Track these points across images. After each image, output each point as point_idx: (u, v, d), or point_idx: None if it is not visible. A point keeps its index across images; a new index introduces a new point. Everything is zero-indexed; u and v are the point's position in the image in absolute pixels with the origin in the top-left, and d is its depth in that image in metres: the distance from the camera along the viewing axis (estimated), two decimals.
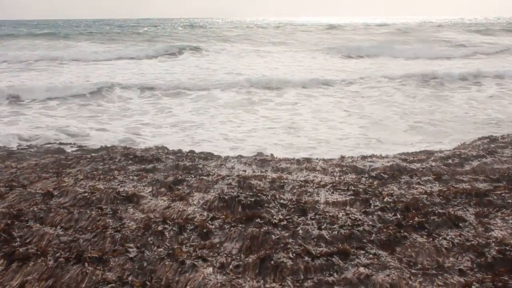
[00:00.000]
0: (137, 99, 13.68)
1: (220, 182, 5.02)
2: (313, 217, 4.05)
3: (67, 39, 37.22)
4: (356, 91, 14.78)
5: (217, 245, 3.61)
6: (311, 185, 4.95)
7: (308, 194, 4.69)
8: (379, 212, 4.15)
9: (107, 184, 4.95)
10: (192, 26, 63.89)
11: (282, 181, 5.05)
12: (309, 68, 20.97)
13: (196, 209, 4.28)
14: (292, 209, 4.23)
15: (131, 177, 5.22)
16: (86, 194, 4.54)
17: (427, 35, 41.15)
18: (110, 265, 3.26)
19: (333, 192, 4.73)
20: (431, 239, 3.63)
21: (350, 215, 4.12)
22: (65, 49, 28.55)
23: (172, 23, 78.33)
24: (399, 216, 4.05)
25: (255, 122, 10.78)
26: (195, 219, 4.04)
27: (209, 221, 3.99)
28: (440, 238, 3.64)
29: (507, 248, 3.38)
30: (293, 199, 4.50)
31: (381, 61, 24.31)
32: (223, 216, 4.08)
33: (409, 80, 16.20)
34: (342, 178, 5.27)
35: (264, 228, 3.78)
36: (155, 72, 19.42)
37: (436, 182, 5.05)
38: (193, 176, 5.22)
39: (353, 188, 4.81)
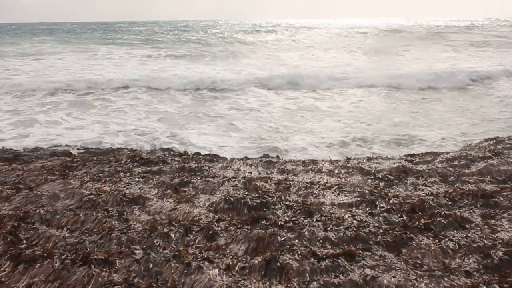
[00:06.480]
0: None
1: (226, 184, 5.03)
2: (319, 219, 4.04)
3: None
4: None
5: (223, 247, 3.61)
6: (317, 186, 4.95)
7: (314, 195, 4.69)
8: (385, 214, 4.15)
9: (113, 186, 4.96)
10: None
11: (288, 182, 5.05)
12: None
13: (202, 211, 4.28)
14: (298, 211, 4.23)
15: (137, 179, 5.24)
16: (92, 196, 4.56)
17: None
18: (116, 267, 3.27)
19: (339, 194, 4.73)
20: (437, 240, 3.62)
21: (356, 216, 4.11)
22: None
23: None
24: (405, 218, 4.04)
25: None
26: (201, 221, 4.05)
27: (215, 223, 4.00)
28: (446, 239, 3.63)
29: None
30: (299, 200, 4.49)
31: None
32: (229, 218, 4.09)
33: None
34: (348, 179, 5.26)
35: (270, 230, 3.78)
36: None
37: (442, 184, 5.04)
38: (199, 178, 5.23)
39: (359, 190, 4.81)
